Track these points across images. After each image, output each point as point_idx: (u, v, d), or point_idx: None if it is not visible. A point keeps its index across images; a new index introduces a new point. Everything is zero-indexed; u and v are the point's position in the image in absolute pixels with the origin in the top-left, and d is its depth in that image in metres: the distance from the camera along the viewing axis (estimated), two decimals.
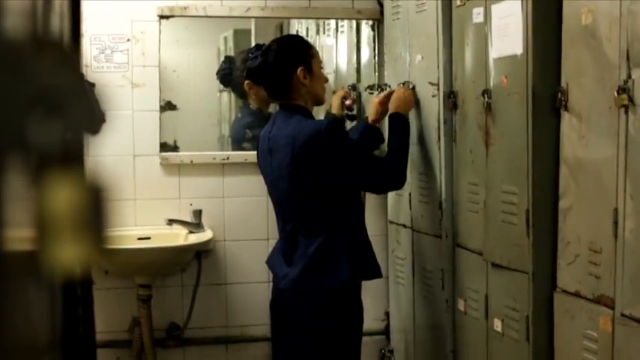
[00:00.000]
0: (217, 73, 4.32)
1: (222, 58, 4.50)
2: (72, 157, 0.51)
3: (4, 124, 0.45)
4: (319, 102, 3.20)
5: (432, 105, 3.48)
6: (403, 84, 3.63)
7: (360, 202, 3.21)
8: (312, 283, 3.07)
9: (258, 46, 3.18)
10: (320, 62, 3.18)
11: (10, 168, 0.47)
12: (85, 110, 0.49)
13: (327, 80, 3.25)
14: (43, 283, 0.59)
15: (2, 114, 0.44)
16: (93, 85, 0.52)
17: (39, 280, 0.57)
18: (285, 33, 4.57)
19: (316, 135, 2.95)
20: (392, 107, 3.41)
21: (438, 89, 3.45)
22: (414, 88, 3.61)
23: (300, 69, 3.05)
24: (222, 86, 4.50)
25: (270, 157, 3.10)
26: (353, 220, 3.13)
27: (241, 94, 4.31)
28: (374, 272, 3.23)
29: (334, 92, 4.19)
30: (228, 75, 4.26)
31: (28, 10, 0.50)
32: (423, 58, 3.56)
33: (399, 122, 3.32)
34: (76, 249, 0.52)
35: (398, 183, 3.24)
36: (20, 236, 0.53)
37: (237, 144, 4.32)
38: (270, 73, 3.08)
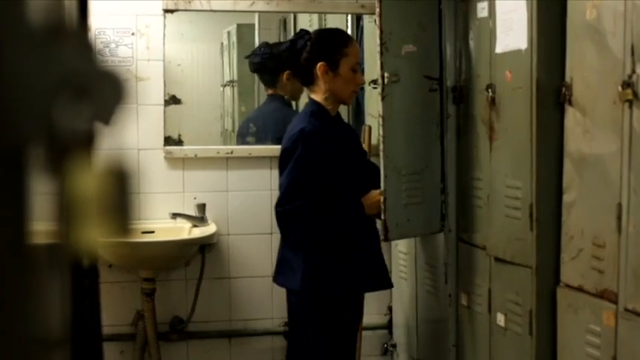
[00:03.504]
0: (253, 56, 4.26)
1: (225, 53, 4.50)
2: (96, 143, 0.52)
3: (31, 110, 0.46)
4: (341, 102, 3.21)
5: (429, 99, 3.46)
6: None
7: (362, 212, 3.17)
8: (278, 282, 3.24)
9: (301, 32, 3.25)
10: (353, 63, 3.12)
11: (36, 154, 0.47)
12: (108, 97, 0.50)
13: (360, 83, 3.22)
14: (59, 274, 0.60)
15: (29, 99, 0.45)
16: (109, 74, 0.53)
17: (56, 271, 0.58)
18: (289, 27, 4.57)
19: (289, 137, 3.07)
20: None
21: (440, 83, 3.45)
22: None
23: (320, 64, 3.06)
24: (225, 80, 4.51)
25: None
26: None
27: (268, 83, 4.31)
28: (361, 285, 3.25)
29: None
30: (267, 60, 4.22)
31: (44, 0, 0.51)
32: (416, 50, 3.50)
33: (353, 211, 3.14)
34: (100, 235, 0.53)
35: (281, 226, 3.08)
36: (42, 227, 0.54)
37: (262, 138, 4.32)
38: (293, 60, 3.12)
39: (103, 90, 0.51)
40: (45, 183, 0.51)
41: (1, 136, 0.46)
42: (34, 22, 0.47)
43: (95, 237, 0.54)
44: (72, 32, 0.56)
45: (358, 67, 3.16)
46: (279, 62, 3.91)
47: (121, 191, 0.55)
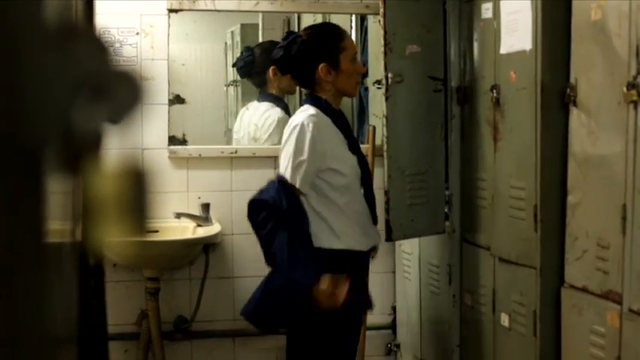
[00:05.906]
0: (237, 62, 4.30)
1: (229, 53, 4.50)
2: (111, 143, 0.52)
3: (49, 110, 0.46)
4: (347, 95, 3.14)
5: (434, 100, 3.45)
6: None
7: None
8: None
9: (288, 34, 3.15)
10: (352, 55, 3.04)
11: (53, 154, 0.48)
12: (125, 97, 0.50)
13: (362, 72, 3.16)
14: (70, 273, 0.60)
15: (47, 100, 0.45)
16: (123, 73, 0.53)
17: (67, 270, 0.58)
18: (292, 27, 4.56)
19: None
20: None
21: (444, 84, 3.45)
22: None
23: (321, 66, 2.98)
24: (229, 80, 4.51)
25: None
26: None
27: (258, 84, 4.32)
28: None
29: None
30: (250, 63, 4.25)
31: (58, 1, 0.51)
32: (421, 50, 3.50)
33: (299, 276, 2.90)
34: (117, 234, 0.53)
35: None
36: (58, 226, 0.54)
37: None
38: (292, 66, 3.05)
39: (119, 90, 0.52)
40: (62, 183, 0.51)
41: (19, 137, 0.46)
42: (51, 23, 0.48)
43: (111, 236, 0.54)
44: (87, 33, 0.57)
45: (356, 57, 3.12)
46: (263, 61, 3.89)
47: (138, 191, 0.55)
